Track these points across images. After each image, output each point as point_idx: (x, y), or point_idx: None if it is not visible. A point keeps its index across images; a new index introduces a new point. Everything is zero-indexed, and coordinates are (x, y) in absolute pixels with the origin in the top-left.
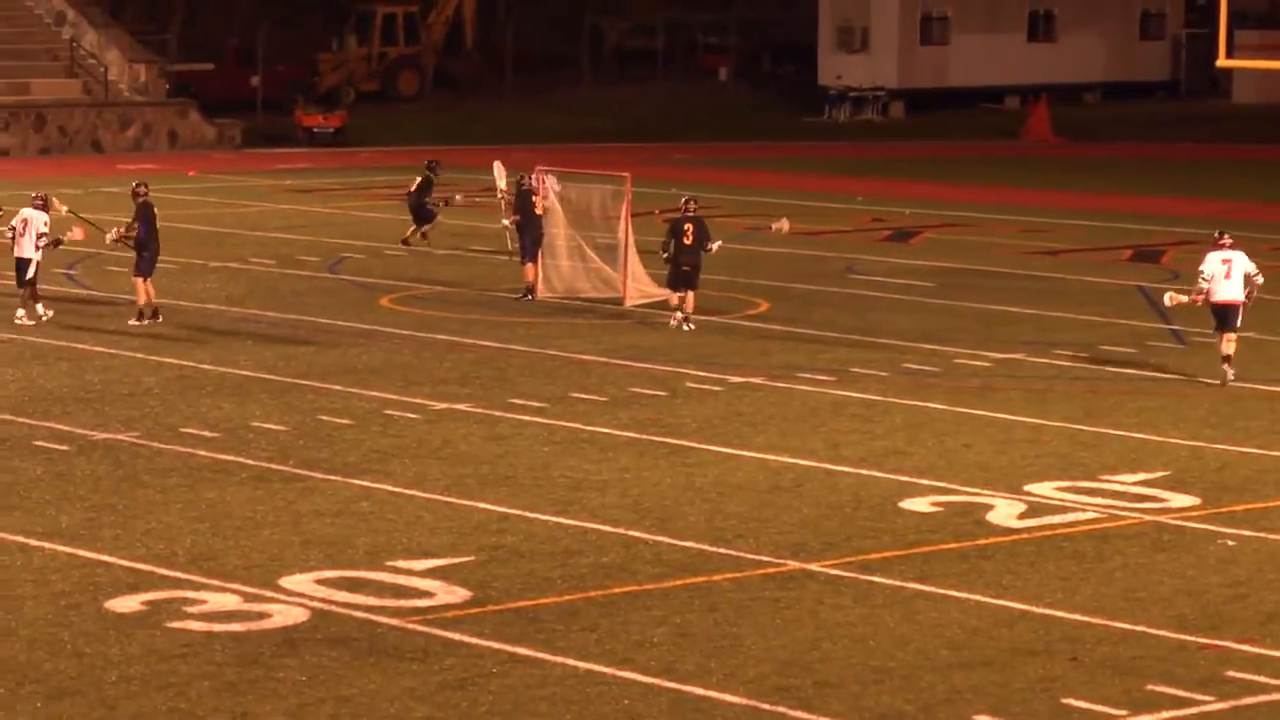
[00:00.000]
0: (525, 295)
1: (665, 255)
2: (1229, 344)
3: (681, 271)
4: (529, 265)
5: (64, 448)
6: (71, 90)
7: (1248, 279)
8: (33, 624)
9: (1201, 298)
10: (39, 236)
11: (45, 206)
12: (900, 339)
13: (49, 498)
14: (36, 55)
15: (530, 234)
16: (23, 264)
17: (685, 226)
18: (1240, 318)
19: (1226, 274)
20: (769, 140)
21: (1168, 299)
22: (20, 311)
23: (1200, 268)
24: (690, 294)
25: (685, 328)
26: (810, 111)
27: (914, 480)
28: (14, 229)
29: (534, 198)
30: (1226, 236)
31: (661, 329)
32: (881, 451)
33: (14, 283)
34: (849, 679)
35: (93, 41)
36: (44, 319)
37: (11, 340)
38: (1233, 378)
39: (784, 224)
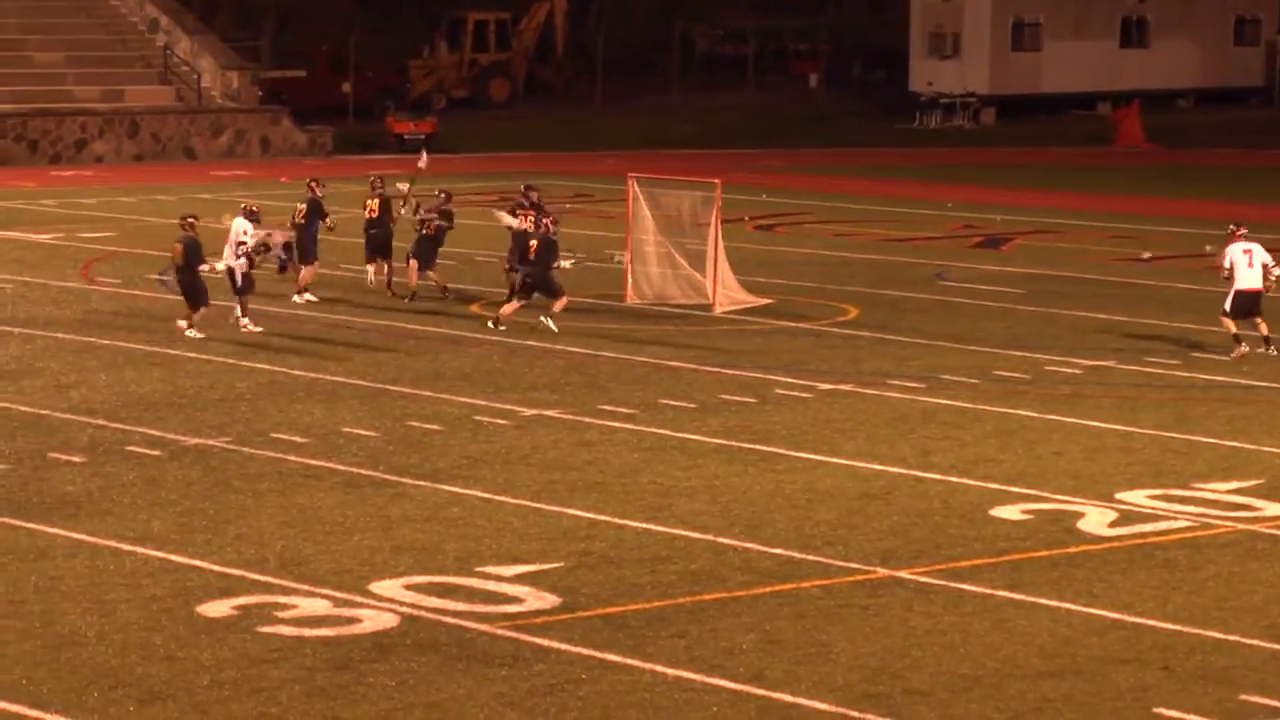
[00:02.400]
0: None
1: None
2: (1263, 327)
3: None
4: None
5: (156, 453)
6: (165, 97)
7: (1265, 269)
8: (125, 628)
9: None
10: (238, 245)
11: (251, 215)
12: (990, 346)
13: (141, 503)
14: (130, 62)
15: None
16: (229, 273)
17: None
18: (1262, 303)
19: (1249, 263)
20: (859, 147)
21: (1207, 247)
22: (244, 320)
23: (1221, 261)
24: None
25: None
26: (901, 118)
27: (1004, 488)
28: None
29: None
30: (1243, 228)
31: (751, 336)
32: (971, 459)
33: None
34: (938, 687)
35: (186, 48)
36: (245, 328)
37: (105, 345)
38: (1275, 353)
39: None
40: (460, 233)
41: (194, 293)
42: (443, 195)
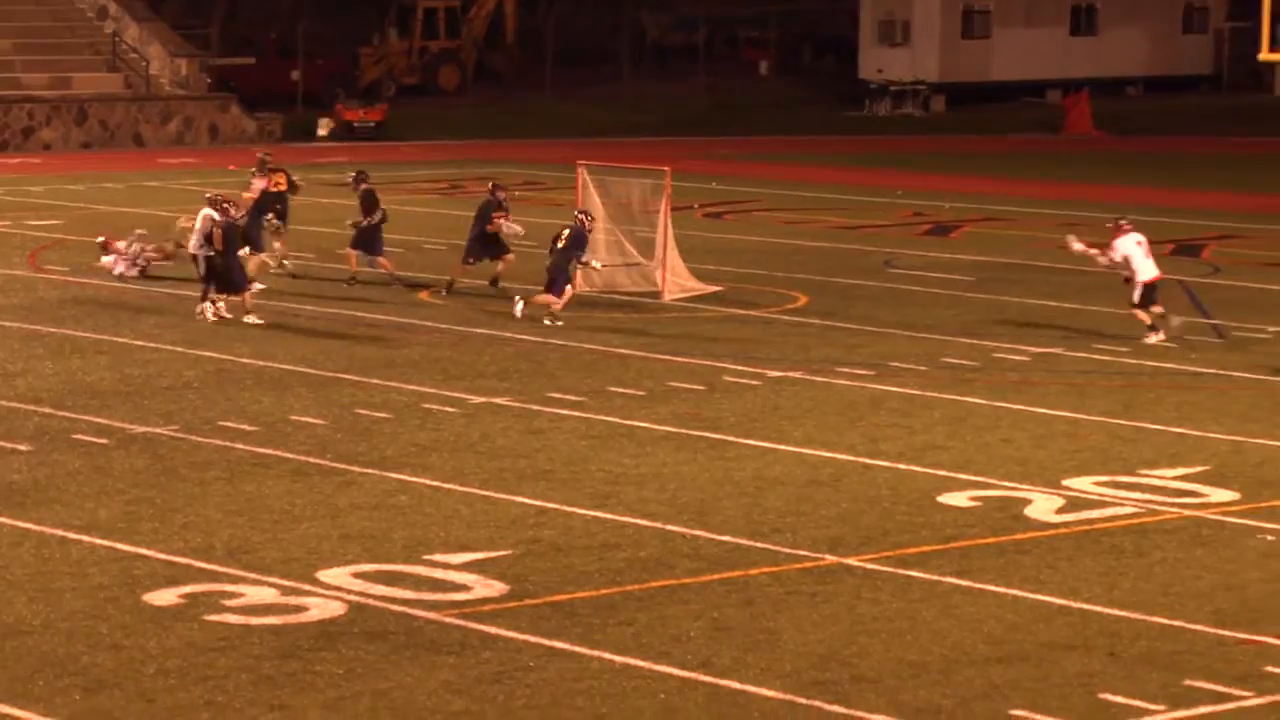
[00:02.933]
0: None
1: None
2: (1159, 310)
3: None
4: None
5: (103, 441)
6: (113, 84)
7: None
8: (71, 617)
9: (1106, 258)
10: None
11: (217, 204)
12: (939, 333)
13: (88, 491)
14: (78, 49)
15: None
16: (194, 261)
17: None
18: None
19: (1146, 254)
20: (809, 134)
21: (1073, 244)
22: (214, 307)
23: (1114, 256)
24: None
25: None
26: (851, 105)
27: (952, 475)
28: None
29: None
30: (1127, 220)
31: (701, 323)
32: (920, 446)
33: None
34: (886, 673)
35: (134, 35)
36: (215, 315)
37: (51, 333)
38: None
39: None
40: (410, 220)
41: (229, 277)
42: (355, 175)
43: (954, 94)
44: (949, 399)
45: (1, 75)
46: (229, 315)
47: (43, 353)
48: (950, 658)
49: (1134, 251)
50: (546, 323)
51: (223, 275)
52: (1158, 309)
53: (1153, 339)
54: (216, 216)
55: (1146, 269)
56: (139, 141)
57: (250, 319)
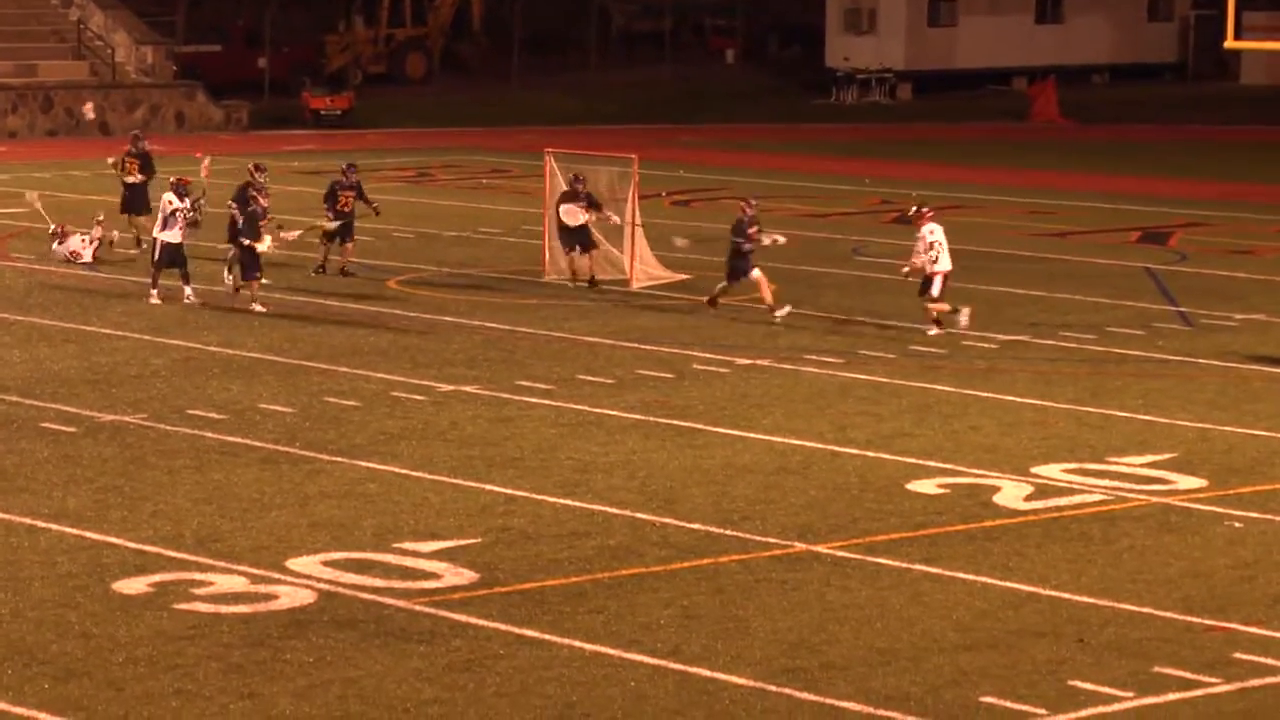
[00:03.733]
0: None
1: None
2: (942, 307)
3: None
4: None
5: (71, 429)
6: (78, 72)
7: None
8: (40, 605)
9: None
10: (167, 218)
11: (179, 188)
12: (907, 321)
13: (56, 479)
14: (44, 37)
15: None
16: (151, 245)
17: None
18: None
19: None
20: (776, 122)
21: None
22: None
23: (931, 240)
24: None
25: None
26: (817, 93)
27: (921, 462)
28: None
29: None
30: (928, 208)
31: (669, 312)
32: (888, 433)
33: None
34: (855, 661)
35: (100, 23)
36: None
37: (18, 322)
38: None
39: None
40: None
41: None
42: (254, 166)
43: (920, 82)
44: (917, 386)
45: None
46: (192, 301)
47: (9, 341)
48: (919, 645)
49: (942, 239)
50: (779, 316)
51: (247, 261)
52: (944, 306)
53: (933, 331)
54: (176, 201)
55: (945, 260)
56: (105, 129)
57: (257, 306)
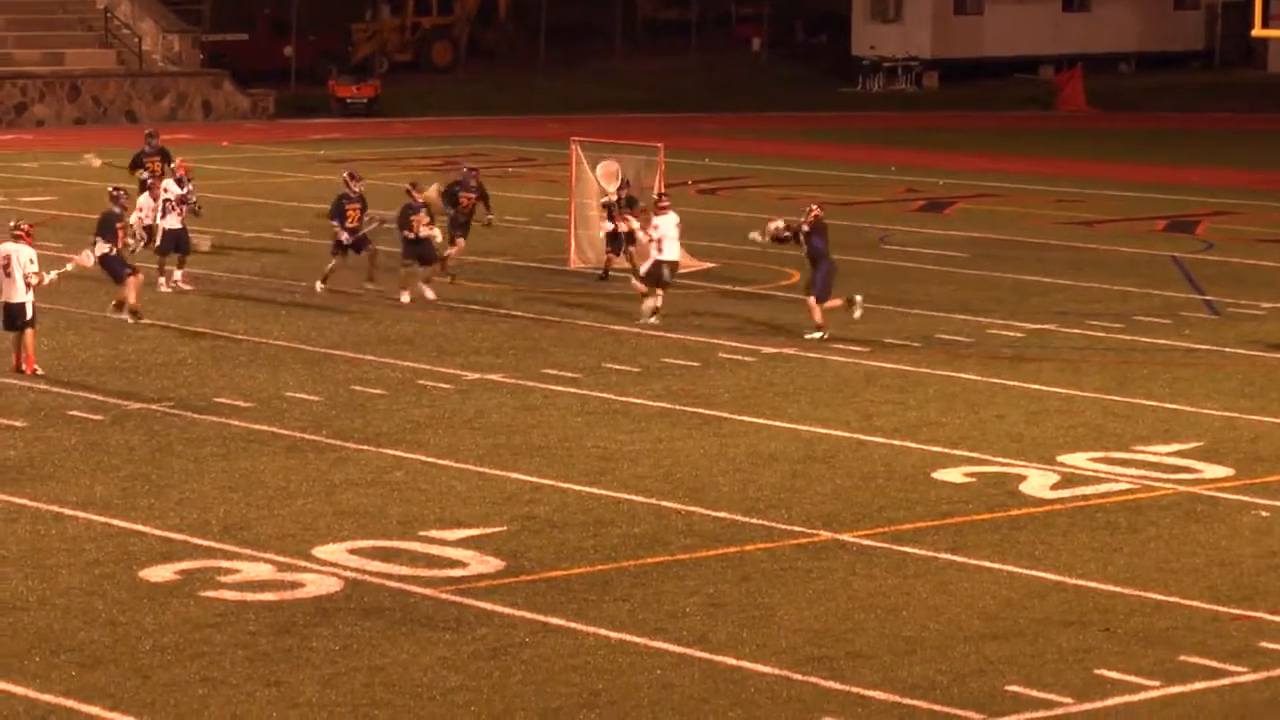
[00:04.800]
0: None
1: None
2: (659, 299)
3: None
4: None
5: (98, 417)
6: (106, 60)
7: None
8: (67, 593)
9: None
10: (164, 204)
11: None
12: (933, 309)
13: (83, 467)
14: (71, 25)
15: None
16: (148, 232)
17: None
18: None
19: (678, 236)
20: (802, 111)
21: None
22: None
23: (653, 232)
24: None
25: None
26: (844, 82)
27: (947, 451)
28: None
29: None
30: (665, 198)
31: (695, 299)
32: (914, 422)
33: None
34: (881, 649)
35: (126, 12)
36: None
37: (46, 309)
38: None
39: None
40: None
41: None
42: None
43: (947, 70)
44: (943, 375)
45: None
46: (187, 287)
47: (38, 329)
48: (945, 634)
49: (671, 232)
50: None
51: (425, 251)
52: (654, 302)
53: (652, 319)
54: (175, 189)
55: (670, 249)
56: (132, 117)
57: (428, 293)
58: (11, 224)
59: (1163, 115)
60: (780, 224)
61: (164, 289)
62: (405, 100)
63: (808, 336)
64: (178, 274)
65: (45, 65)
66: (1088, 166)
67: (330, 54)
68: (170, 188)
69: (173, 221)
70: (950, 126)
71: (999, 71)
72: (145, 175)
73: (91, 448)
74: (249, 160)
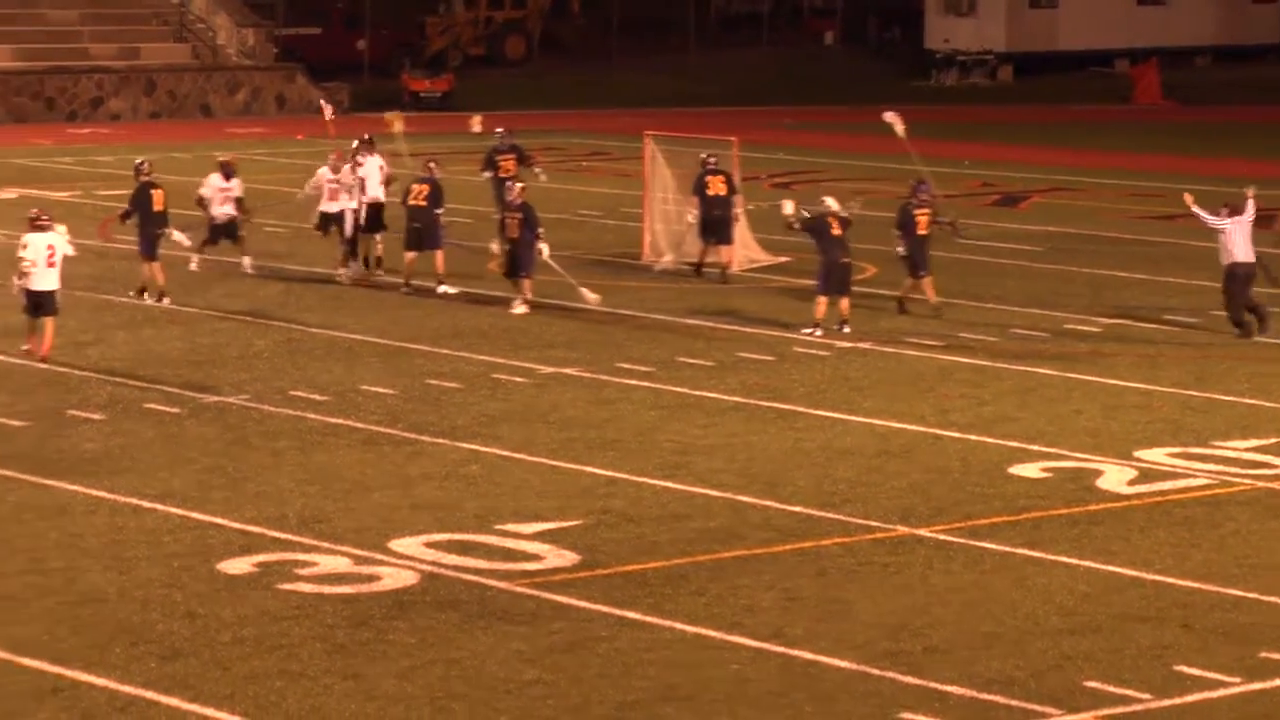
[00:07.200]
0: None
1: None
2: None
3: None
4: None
5: (175, 410)
6: (180, 55)
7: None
8: (146, 585)
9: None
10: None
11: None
12: (1008, 304)
13: (161, 460)
14: (146, 20)
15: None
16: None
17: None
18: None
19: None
20: (875, 104)
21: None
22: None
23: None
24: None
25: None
26: (917, 76)
27: (1023, 446)
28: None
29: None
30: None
31: (769, 293)
32: (990, 417)
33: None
34: (959, 644)
35: (201, 6)
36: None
37: (123, 303)
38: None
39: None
40: (476, 191)
41: (432, 236)
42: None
43: (1021, 63)
44: (1019, 370)
45: (70, 46)
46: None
47: (114, 322)
48: (1023, 629)
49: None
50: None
51: (427, 232)
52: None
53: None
54: (221, 182)
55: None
56: (207, 111)
57: (444, 289)
58: (33, 212)
59: (1239, 108)
60: (793, 209)
61: (193, 268)
62: (478, 94)
63: (804, 331)
64: (245, 260)
65: (121, 60)
66: (1164, 160)
67: (403, 48)
68: (214, 181)
69: (223, 210)
70: (1024, 120)
71: (1073, 65)
72: (489, 174)
73: (169, 441)
74: (322, 154)
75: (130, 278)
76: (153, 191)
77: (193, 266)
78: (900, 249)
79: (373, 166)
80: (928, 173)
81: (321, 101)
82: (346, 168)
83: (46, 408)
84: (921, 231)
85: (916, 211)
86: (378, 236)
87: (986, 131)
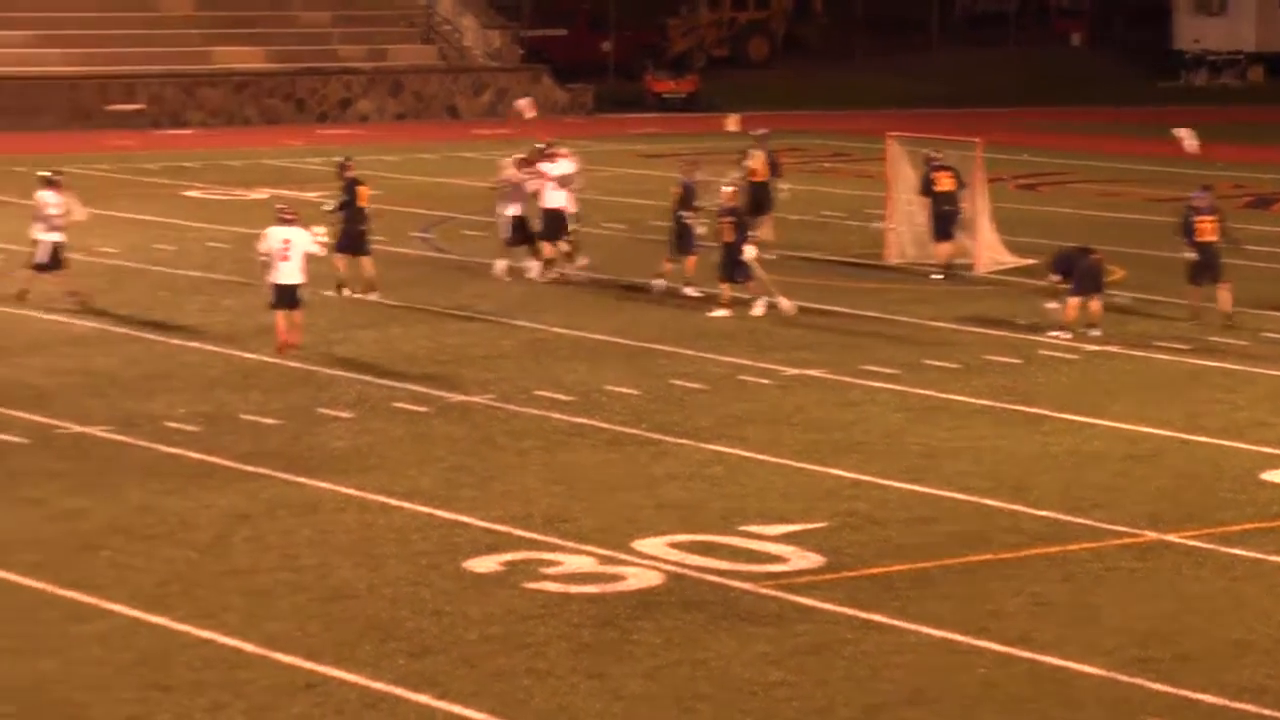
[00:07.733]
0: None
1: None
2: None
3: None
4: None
5: (423, 409)
6: (427, 56)
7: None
8: (395, 582)
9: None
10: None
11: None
12: (1261, 308)
13: (409, 459)
14: (393, 21)
15: None
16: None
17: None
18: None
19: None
20: (1123, 105)
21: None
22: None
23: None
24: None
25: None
26: (1166, 76)
27: (1277, 452)
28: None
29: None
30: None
31: (1015, 295)
32: (1243, 422)
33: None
34: (1210, 652)
35: (448, 7)
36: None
37: (372, 303)
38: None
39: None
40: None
41: (684, 239)
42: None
43: (1273, 64)
44: (1273, 374)
45: (320, 48)
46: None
47: (361, 321)
48: (1276, 637)
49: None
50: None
51: (680, 235)
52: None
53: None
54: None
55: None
56: (453, 113)
57: (690, 291)
58: (278, 207)
59: None
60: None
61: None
62: (722, 95)
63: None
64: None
65: (369, 61)
66: None
67: (648, 49)
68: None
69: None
70: (1276, 121)
71: None
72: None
73: (416, 439)
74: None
75: (382, 282)
76: (358, 188)
77: (532, 275)
78: (1187, 254)
79: (557, 171)
80: (1194, 177)
81: (521, 102)
82: (517, 171)
83: (298, 406)
84: (1204, 239)
85: (1197, 219)
86: (563, 240)
87: (1237, 133)
